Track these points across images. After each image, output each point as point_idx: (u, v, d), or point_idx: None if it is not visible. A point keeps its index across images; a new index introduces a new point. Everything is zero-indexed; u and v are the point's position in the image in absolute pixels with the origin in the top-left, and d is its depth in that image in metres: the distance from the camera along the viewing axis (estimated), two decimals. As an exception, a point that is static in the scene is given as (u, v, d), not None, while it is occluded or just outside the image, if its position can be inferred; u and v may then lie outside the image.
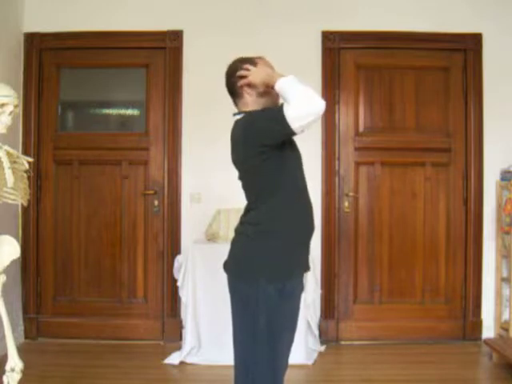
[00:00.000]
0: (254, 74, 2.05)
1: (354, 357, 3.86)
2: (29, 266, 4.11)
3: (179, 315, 4.04)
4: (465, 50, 4.11)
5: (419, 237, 4.15)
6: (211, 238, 3.83)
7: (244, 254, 2.06)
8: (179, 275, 3.76)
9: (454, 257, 4.14)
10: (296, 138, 2.23)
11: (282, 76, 1.96)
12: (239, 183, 2.15)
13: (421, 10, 4.10)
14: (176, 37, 4.11)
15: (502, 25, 4.10)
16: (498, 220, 4.05)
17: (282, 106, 1.90)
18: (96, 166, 4.19)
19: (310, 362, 3.64)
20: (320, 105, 1.85)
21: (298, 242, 2.08)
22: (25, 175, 2.32)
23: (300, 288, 2.12)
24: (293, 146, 2.12)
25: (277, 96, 2.05)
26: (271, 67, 2.13)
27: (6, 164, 2.20)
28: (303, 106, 1.85)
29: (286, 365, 2.10)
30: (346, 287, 4.15)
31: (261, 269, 1.99)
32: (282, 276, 2.00)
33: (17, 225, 4.04)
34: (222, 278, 2.16)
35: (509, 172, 3.99)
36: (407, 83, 4.15)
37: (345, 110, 4.15)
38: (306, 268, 2.16)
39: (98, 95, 4.33)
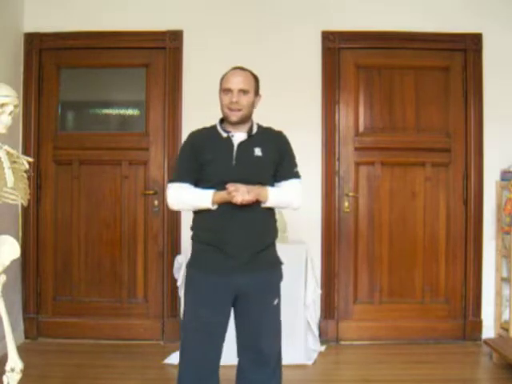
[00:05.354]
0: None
1: (354, 357, 3.86)
2: (29, 266, 4.11)
3: (179, 315, 4.03)
4: (465, 50, 4.11)
5: (419, 237, 4.15)
6: (211, 237, 3.82)
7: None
8: (179, 275, 3.76)
9: (454, 257, 4.14)
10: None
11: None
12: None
13: (421, 10, 4.10)
14: (176, 37, 4.10)
15: (502, 25, 4.09)
16: (498, 220, 4.05)
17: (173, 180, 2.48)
18: (96, 166, 4.18)
19: (310, 362, 3.64)
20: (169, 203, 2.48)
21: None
22: (25, 175, 2.32)
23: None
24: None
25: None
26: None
27: (6, 164, 2.19)
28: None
29: None
30: (345, 287, 4.15)
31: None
32: None
33: (17, 225, 4.03)
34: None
35: (509, 172, 3.99)
36: (407, 83, 4.15)
37: (345, 110, 4.15)
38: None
39: (98, 95, 4.33)
